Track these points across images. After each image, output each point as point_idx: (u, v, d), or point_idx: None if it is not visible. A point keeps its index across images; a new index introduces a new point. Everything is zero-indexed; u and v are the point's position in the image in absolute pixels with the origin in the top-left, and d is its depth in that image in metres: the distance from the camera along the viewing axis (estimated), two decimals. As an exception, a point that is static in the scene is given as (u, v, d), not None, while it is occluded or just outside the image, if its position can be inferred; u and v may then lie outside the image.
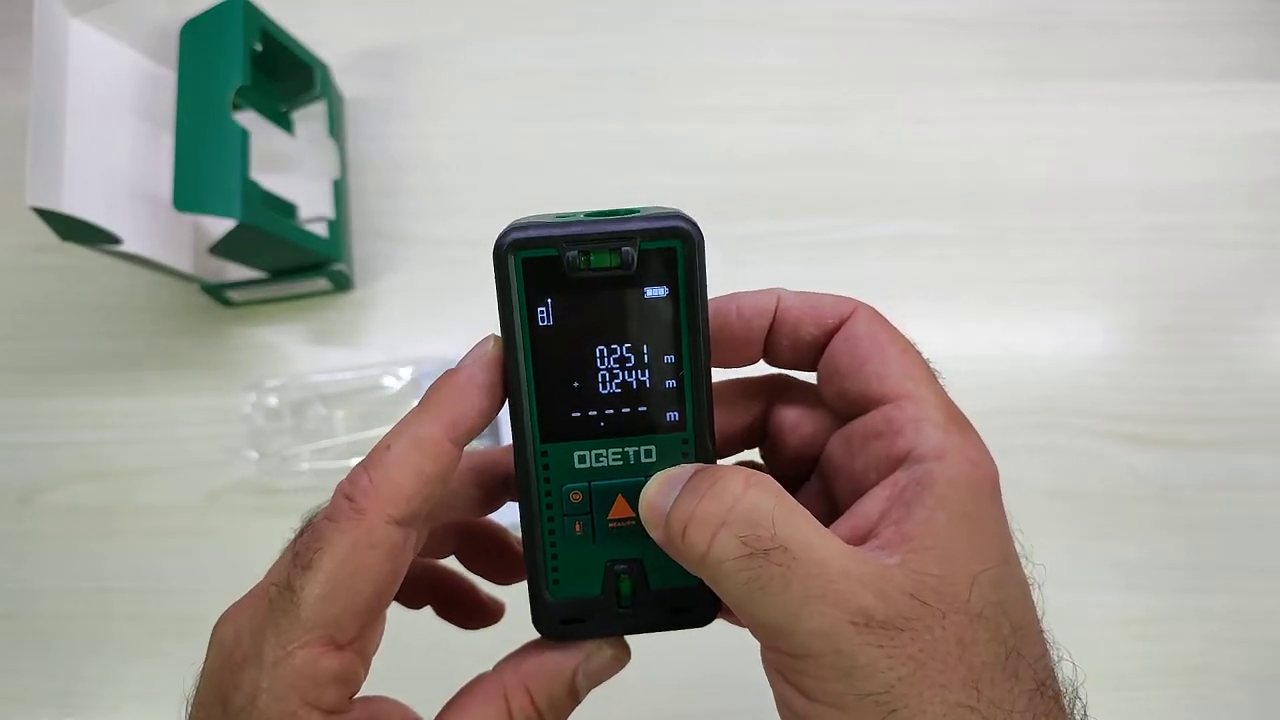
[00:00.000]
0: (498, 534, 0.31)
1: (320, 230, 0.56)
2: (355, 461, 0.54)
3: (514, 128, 0.62)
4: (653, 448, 0.25)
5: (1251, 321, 0.57)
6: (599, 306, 0.24)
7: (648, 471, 0.25)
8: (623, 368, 0.25)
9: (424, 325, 0.58)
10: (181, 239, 0.55)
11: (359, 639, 0.24)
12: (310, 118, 0.60)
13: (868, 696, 0.21)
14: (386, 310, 0.59)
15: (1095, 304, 0.58)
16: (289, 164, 0.58)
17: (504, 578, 0.32)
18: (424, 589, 0.31)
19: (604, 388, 0.25)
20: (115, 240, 0.48)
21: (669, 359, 0.25)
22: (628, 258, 0.24)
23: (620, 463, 0.25)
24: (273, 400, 0.55)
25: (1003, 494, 0.24)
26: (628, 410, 0.25)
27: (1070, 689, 0.23)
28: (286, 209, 0.56)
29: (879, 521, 0.23)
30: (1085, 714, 0.23)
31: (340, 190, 0.59)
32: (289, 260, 0.55)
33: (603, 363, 0.25)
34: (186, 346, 0.58)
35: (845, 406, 0.26)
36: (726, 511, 0.22)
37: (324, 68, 0.59)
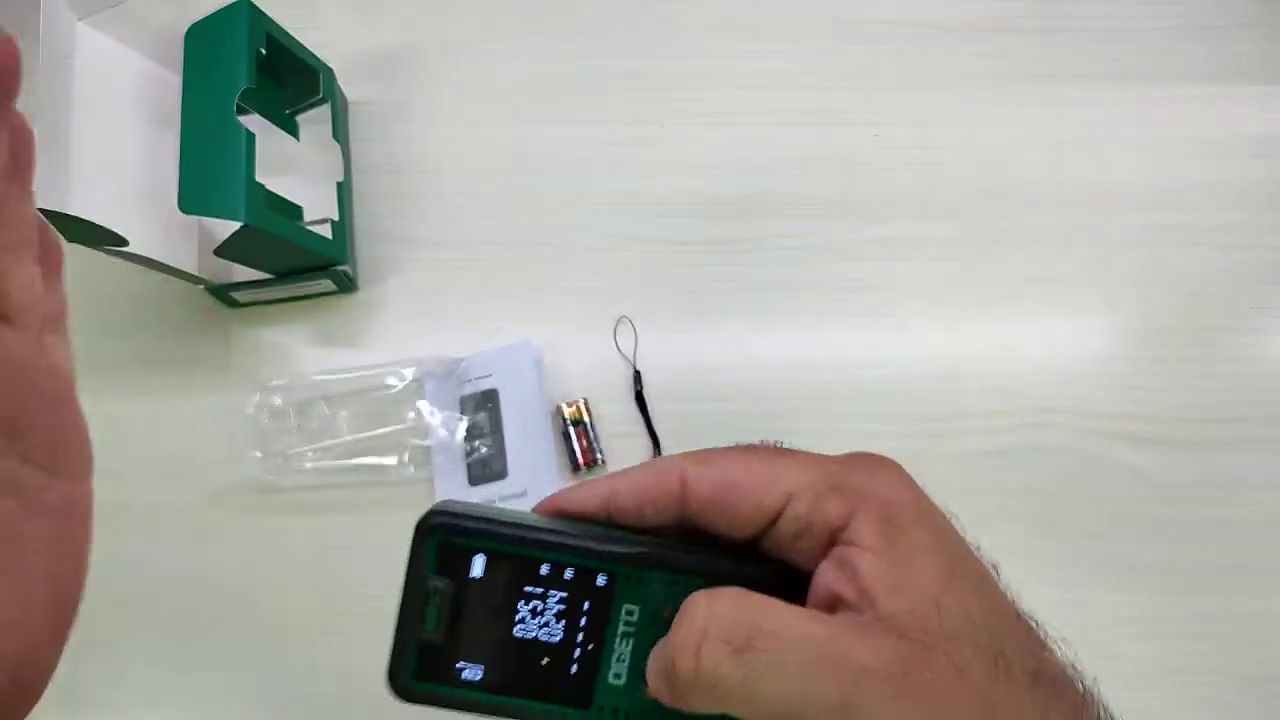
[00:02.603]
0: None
1: (324, 232, 0.57)
2: (359, 461, 0.55)
3: (516, 130, 0.63)
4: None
5: (1251, 321, 0.57)
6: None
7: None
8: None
9: (427, 326, 0.58)
10: (187, 240, 0.55)
11: None
12: (314, 121, 0.60)
13: None
14: (390, 311, 0.59)
15: (1095, 304, 0.58)
16: (293, 167, 0.58)
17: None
18: None
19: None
20: (122, 242, 0.48)
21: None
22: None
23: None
24: (277, 400, 0.56)
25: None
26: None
27: (1069, 666, 0.24)
28: (291, 211, 0.57)
29: (835, 588, 0.24)
30: (1095, 682, 0.24)
31: (344, 193, 0.59)
32: (293, 262, 0.55)
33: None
34: (192, 346, 0.59)
35: (750, 530, 0.26)
36: (703, 626, 0.23)
37: (328, 71, 0.60)
